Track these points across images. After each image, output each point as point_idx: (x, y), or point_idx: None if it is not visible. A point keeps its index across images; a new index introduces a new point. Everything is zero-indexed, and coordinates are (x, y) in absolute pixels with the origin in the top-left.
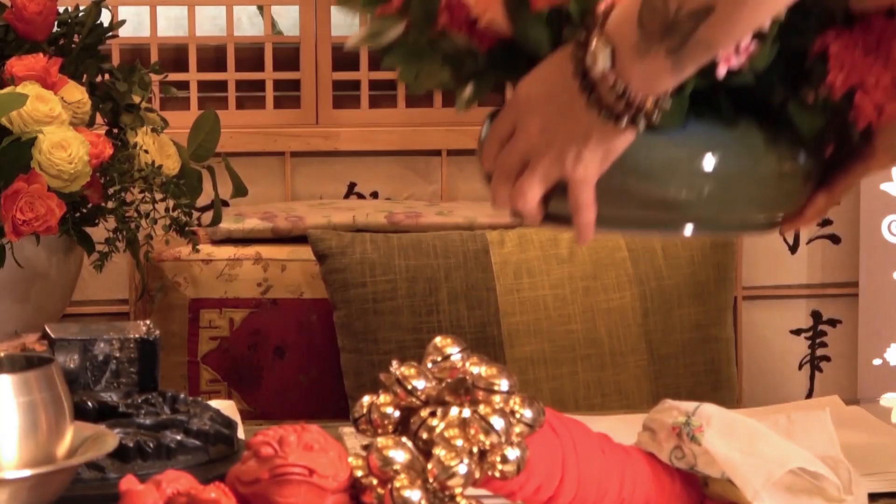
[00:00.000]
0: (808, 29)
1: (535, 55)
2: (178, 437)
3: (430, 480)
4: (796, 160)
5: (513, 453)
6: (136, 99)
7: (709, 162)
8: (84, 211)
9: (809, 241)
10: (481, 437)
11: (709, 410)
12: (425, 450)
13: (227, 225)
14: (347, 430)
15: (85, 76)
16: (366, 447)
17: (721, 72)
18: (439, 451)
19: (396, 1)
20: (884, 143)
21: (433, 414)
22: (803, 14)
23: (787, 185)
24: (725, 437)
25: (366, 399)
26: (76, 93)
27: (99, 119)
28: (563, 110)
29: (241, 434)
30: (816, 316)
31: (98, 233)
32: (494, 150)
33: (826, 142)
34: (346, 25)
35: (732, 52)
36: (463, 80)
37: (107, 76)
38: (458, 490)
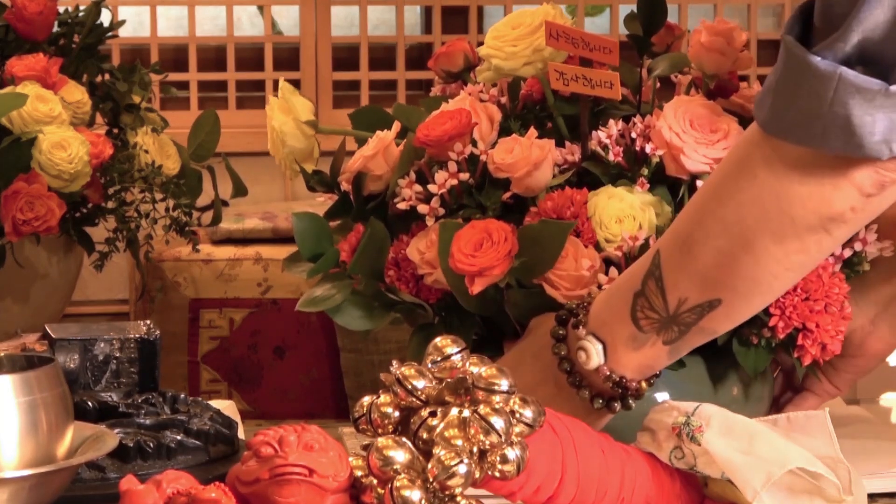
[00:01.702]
0: None
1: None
2: (179, 437)
3: (430, 480)
4: (746, 389)
5: (513, 453)
6: (137, 99)
7: (660, 400)
8: (84, 211)
9: None
10: (481, 437)
11: (708, 410)
12: (425, 450)
13: (227, 225)
14: (347, 430)
15: (85, 76)
16: (366, 447)
17: None
18: (439, 451)
19: (344, 257)
20: (834, 368)
21: (433, 414)
22: None
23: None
24: (725, 437)
25: (366, 399)
26: (76, 93)
27: (99, 119)
28: (548, 398)
29: (241, 434)
30: None
31: (98, 233)
32: None
33: (774, 370)
34: (346, 25)
35: None
36: (415, 326)
37: (107, 76)
38: (458, 490)
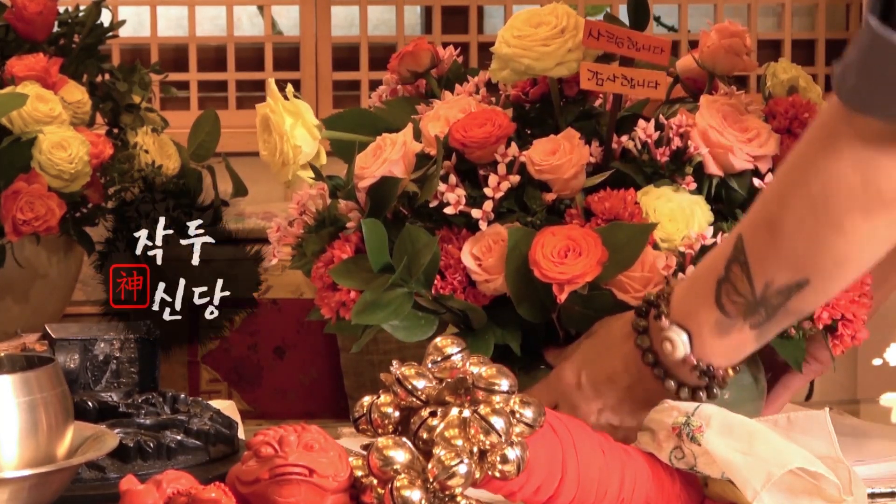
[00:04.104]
0: None
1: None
2: (179, 437)
3: (430, 480)
4: (740, 392)
5: (513, 453)
6: (137, 99)
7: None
8: (84, 211)
9: None
10: (481, 437)
11: (708, 411)
12: (425, 450)
13: (227, 225)
14: (347, 430)
15: (85, 76)
16: (366, 447)
17: None
18: (439, 451)
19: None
20: (816, 341)
21: (433, 414)
22: None
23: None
24: (725, 437)
25: (366, 399)
26: (76, 93)
27: (99, 119)
28: (630, 387)
29: (241, 434)
30: None
31: (98, 233)
32: None
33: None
34: (346, 25)
35: None
36: (466, 333)
37: (107, 76)
38: (458, 490)
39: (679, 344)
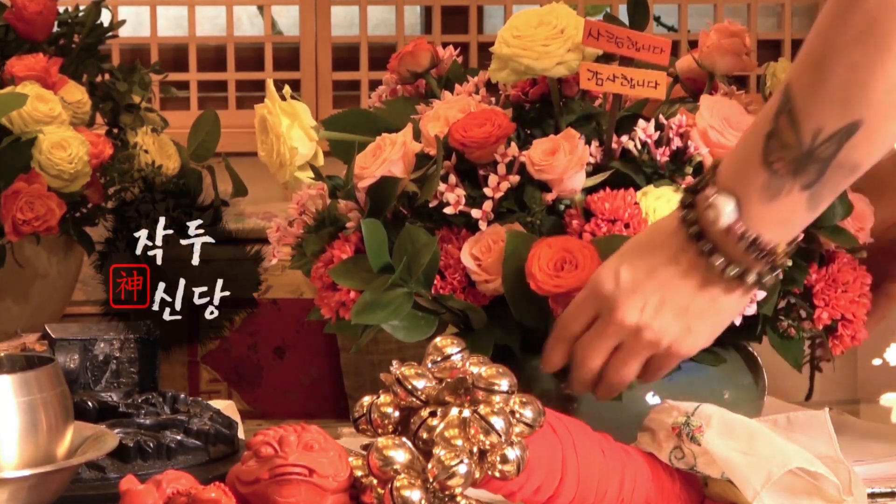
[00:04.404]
0: (797, 268)
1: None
2: (179, 437)
3: (430, 480)
4: (738, 394)
5: (513, 453)
6: (136, 99)
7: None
8: (84, 211)
9: None
10: (481, 437)
11: (708, 410)
12: (425, 450)
13: (227, 225)
14: (347, 430)
15: (85, 76)
16: (366, 447)
17: (737, 320)
18: (439, 451)
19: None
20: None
21: (433, 414)
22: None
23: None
24: (725, 437)
25: (366, 399)
26: (76, 93)
27: (99, 119)
28: (674, 288)
29: (241, 434)
30: None
31: (98, 233)
32: (573, 335)
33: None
34: (346, 25)
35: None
36: (466, 333)
37: (107, 76)
38: (458, 490)
39: (723, 210)
